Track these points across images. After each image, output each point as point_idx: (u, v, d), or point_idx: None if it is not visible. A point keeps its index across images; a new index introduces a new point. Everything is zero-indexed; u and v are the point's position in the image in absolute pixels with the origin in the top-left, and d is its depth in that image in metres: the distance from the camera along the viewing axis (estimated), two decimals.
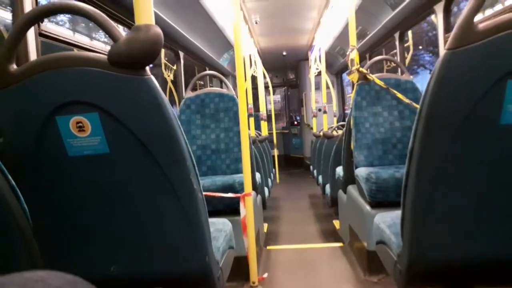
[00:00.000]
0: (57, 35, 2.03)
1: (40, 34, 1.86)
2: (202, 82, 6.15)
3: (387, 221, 1.40)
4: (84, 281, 0.33)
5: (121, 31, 1.06)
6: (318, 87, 7.25)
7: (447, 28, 2.81)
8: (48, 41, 2.00)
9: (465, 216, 1.08)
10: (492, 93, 0.96)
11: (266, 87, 7.77)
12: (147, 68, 0.97)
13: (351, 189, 2.80)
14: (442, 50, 1.00)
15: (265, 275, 2.55)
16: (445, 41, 2.75)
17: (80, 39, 2.45)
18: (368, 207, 2.33)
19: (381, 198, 2.24)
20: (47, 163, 1.02)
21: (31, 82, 0.95)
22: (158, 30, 0.95)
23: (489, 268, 1.14)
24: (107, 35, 0.96)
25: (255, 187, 2.84)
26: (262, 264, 2.80)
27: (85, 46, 2.36)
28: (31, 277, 0.31)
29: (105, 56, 0.94)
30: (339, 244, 3.18)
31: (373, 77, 2.61)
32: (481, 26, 0.94)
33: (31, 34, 1.70)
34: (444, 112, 1.00)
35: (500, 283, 1.20)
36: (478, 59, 0.95)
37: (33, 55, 1.69)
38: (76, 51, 1.51)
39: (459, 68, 0.97)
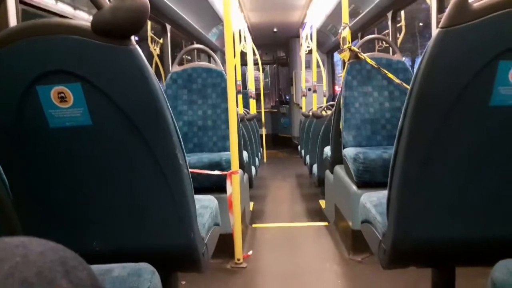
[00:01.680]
0: (39, 3, 1.95)
1: (21, 1, 1.78)
2: (189, 57, 6.04)
3: (373, 201, 1.40)
4: (66, 248, 0.33)
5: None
6: (308, 66, 7.19)
7: (440, 9, 2.78)
8: (29, 9, 1.92)
9: (451, 196, 1.08)
10: (483, 73, 0.95)
11: (256, 64, 7.67)
12: (133, 38, 0.93)
13: (338, 169, 2.81)
14: (434, 31, 0.98)
15: (250, 252, 2.57)
16: (438, 22, 2.72)
17: (64, 8, 2.36)
18: (354, 187, 2.35)
19: (368, 179, 2.25)
20: (27, 134, 0.98)
21: (10, 49, 0.91)
22: None
23: (473, 248, 1.15)
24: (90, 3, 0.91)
25: (242, 165, 2.83)
26: (247, 241, 2.82)
27: (68, 15, 2.28)
28: (11, 242, 0.30)
29: (89, 24, 0.90)
30: (324, 223, 3.21)
31: (365, 56, 2.58)
32: (475, 5, 0.92)
33: (11, 0, 1.63)
34: (435, 92, 0.99)
35: (483, 263, 1.22)
36: (470, 39, 0.94)
37: (13, 23, 1.62)
38: (58, 18, 1.44)
39: (451, 47, 0.95)
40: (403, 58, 2.72)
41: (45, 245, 0.31)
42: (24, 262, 0.28)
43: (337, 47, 6.58)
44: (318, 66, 6.10)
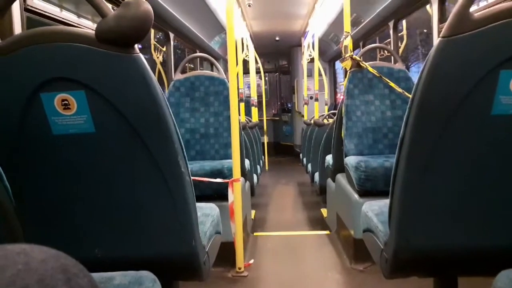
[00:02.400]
0: (44, 11, 1.97)
1: (26, 9, 1.80)
2: (192, 65, 6.07)
3: (375, 209, 1.39)
4: (67, 256, 0.32)
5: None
6: (310, 74, 7.21)
7: (442, 19, 2.80)
8: (33, 17, 1.94)
9: (453, 205, 1.08)
10: (484, 83, 0.95)
11: (258, 73, 7.70)
12: (136, 46, 0.94)
13: (340, 177, 2.81)
14: (436, 41, 0.99)
15: (252, 261, 2.56)
16: (439, 32, 2.73)
17: (68, 16, 2.38)
18: (356, 196, 2.34)
19: (370, 187, 2.24)
20: (30, 140, 0.99)
21: (15, 57, 0.92)
22: (148, 7, 0.92)
23: (475, 257, 1.15)
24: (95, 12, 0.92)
25: (244, 173, 2.83)
26: (249, 250, 2.81)
27: (72, 23, 2.30)
28: (13, 249, 0.30)
29: (93, 32, 0.91)
30: (326, 232, 3.20)
31: (366, 64, 2.59)
32: (476, 15, 0.93)
33: (16, 8, 1.65)
34: (436, 101, 0.99)
35: (485, 272, 1.21)
36: (472, 48, 0.95)
37: (18, 31, 1.64)
38: (62, 26, 1.45)
39: (452, 56, 0.96)
40: (403, 66, 2.72)
41: (46, 253, 0.31)
42: (25, 269, 0.28)
43: (339, 56, 6.60)
44: (320, 74, 6.12)
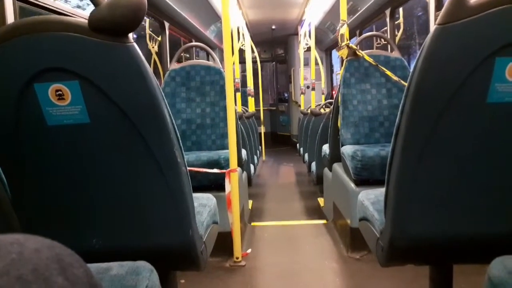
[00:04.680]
0: (36, 0, 1.94)
1: None
2: (187, 55, 6.03)
3: (371, 198, 1.40)
4: (62, 246, 0.32)
5: None
6: (307, 63, 7.18)
7: (438, 6, 2.78)
8: (26, 6, 1.92)
9: (448, 193, 1.09)
10: (480, 70, 0.95)
11: (254, 62, 7.66)
12: (130, 35, 0.93)
13: (337, 167, 2.81)
14: (432, 28, 0.98)
15: (249, 250, 2.58)
16: (436, 19, 2.72)
17: (61, 5, 2.35)
18: (352, 185, 2.35)
19: (366, 176, 2.25)
20: (25, 132, 0.98)
21: (7, 47, 0.91)
22: None
23: (469, 245, 1.16)
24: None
25: (240, 163, 2.83)
26: (246, 239, 2.82)
27: (66, 12, 2.27)
28: (6, 240, 0.29)
29: (86, 21, 0.89)
30: (323, 221, 3.22)
31: (363, 53, 2.58)
32: (472, 2, 0.93)
33: None
34: (431, 88, 0.99)
35: (480, 260, 1.22)
36: (467, 35, 0.94)
37: (10, 20, 1.62)
38: (55, 15, 1.43)
39: (448, 43, 0.95)
40: (400, 54, 2.71)
41: (40, 243, 0.31)
42: (19, 259, 0.28)
43: (335, 45, 6.57)
44: (316, 63, 6.10)
